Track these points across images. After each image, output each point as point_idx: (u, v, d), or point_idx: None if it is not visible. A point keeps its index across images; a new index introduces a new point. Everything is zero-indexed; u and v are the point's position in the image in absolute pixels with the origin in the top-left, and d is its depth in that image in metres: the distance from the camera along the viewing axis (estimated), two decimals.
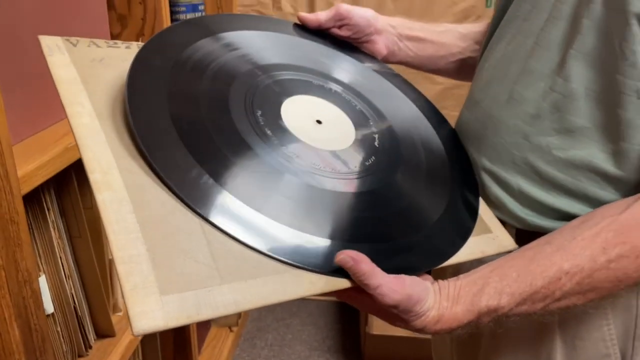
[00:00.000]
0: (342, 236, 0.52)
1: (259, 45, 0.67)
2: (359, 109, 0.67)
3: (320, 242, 0.51)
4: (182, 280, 0.43)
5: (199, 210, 0.47)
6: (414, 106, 0.73)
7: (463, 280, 0.54)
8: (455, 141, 0.71)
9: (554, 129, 0.59)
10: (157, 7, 1.05)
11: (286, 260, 0.48)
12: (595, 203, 0.59)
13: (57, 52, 0.57)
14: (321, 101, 0.65)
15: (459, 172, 0.67)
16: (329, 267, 0.49)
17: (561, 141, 0.59)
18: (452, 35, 0.82)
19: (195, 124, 0.54)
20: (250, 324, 1.94)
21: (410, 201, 0.60)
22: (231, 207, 0.49)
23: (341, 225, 0.53)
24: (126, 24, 1.08)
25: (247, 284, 0.45)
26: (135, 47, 0.62)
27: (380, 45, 0.78)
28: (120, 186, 0.47)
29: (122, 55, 0.60)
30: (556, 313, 0.55)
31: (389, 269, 0.50)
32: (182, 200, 0.48)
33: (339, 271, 0.49)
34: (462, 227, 0.61)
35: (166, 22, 1.08)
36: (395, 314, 0.51)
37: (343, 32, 0.76)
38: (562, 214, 0.61)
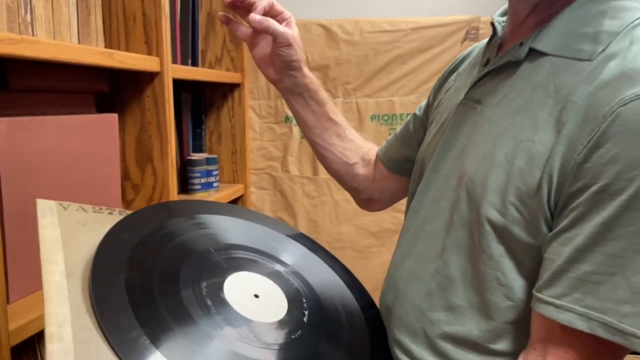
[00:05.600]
0: None
1: (222, 228, 0.78)
2: (295, 287, 0.75)
3: None
4: None
5: None
6: (343, 285, 0.81)
7: None
8: (374, 313, 0.78)
9: (441, 306, 0.66)
10: (166, 178, 1.22)
11: None
12: None
13: (48, 214, 0.67)
14: (262, 278, 0.74)
15: (376, 346, 0.73)
16: None
17: (447, 317, 0.66)
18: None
19: (145, 290, 0.63)
20: None
21: None
22: None
23: None
24: (139, 192, 1.24)
25: None
26: (117, 213, 0.74)
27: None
28: (69, 339, 0.55)
29: (103, 219, 0.71)
30: None
31: None
32: (119, 357, 0.56)
33: None
34: None
35: (172, 191, 1.23)
36: None
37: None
38: None
